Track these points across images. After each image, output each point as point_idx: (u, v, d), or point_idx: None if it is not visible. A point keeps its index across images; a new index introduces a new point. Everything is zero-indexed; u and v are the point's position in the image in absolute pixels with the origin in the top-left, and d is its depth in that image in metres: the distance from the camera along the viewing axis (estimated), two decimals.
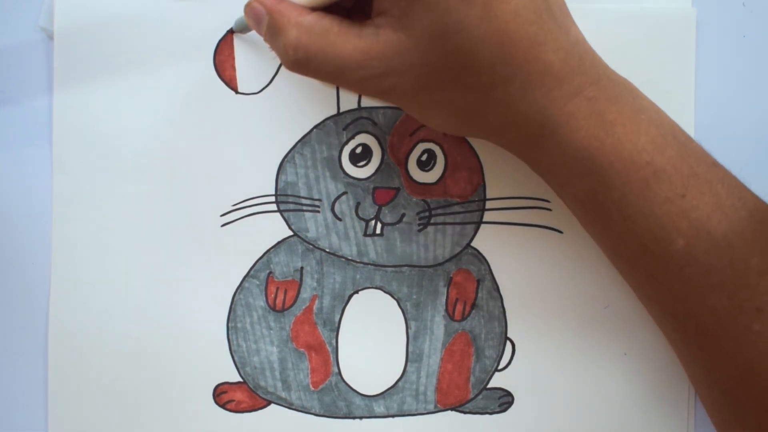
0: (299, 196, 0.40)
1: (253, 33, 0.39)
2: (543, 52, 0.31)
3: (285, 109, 0.40)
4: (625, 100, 0.32)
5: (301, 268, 0.40)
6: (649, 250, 0.32)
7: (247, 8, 0.34)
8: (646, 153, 0.32)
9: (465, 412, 0.40)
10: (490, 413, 0.40)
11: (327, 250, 0.40)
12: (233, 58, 0.40)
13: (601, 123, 0.32)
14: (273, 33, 0.32)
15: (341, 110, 0.40)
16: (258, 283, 0.40)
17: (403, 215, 0.40)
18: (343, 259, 0.40)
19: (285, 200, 0.40)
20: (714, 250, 0.32)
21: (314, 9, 0.32)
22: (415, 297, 0.40)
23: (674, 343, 0.35)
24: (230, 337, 0.40)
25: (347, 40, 0.31)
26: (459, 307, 0.40)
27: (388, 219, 0.40)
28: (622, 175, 0.32)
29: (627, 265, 0.34)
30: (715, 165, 0.33)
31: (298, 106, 0.40)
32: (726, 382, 0.33)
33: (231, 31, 0.40)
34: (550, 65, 0.31)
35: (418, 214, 0.40)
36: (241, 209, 0.40)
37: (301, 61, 0.31)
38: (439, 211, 0.40)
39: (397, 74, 0.31)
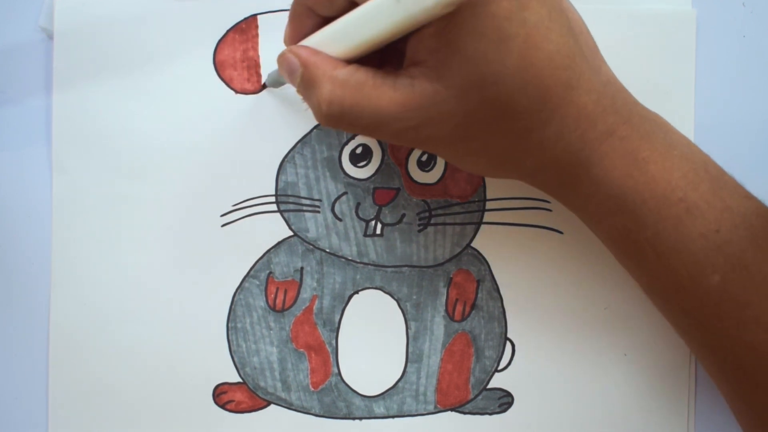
0: (299, 197, 0.40)
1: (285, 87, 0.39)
2: (577, 95, 0.31)
3: (285, 109, 0.40)
4: (657, 137, 0.32)
5: (301, 268, 0.40)
6: (684, 287, 0.32)
7: (281, 59, 0.33)
8: (679, 189, 0.31)
9: (465, 413, 0.40)
10: (490, 414, 0.40)
11: (327, 250, 0.40)
12: (236, 59, 0.40)
13: (634, 161, 0.32)
14: (307, 86, 0.32)
15: None
16: (258, 283, 0.40)
17: (403, 215, 0.40)
18: (343, 260, 0.40)
19: (285, 200, 0.40)
20: (750, 284, 0.31)
21: (349, 61, 0.31)
22: (415, 297, 0.40)
23: (713, 375, 0.35)
24: (230, 337, 0.40)
25: (383, 93, 0.30)
26: (459, 308, 0.40)
27: (388, 219, 0.40)
28: (655, 213, 0.31)
29: (662, 301, 0.34)
30: (748, 197, 0.33)
31: (298, 106, 0.40)
32: (766, 414, 0.33)
33: (228, 30, 0.40)
34: (584, 107, 0.31)
35: (418, 214, 0.40)
36: (241, 209, 0.40)
37: (335, 116, 0.31)
38: (439, 211, 0.40)
39: (433, 125, 0.31)
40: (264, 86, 0.40)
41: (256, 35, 0.40)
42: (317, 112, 0.32)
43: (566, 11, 0.31)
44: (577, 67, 0.31)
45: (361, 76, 0.31)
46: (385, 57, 0.33)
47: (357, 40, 0.31)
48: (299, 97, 0.33)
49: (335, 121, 0.31)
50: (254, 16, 0.40)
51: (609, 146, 0.32)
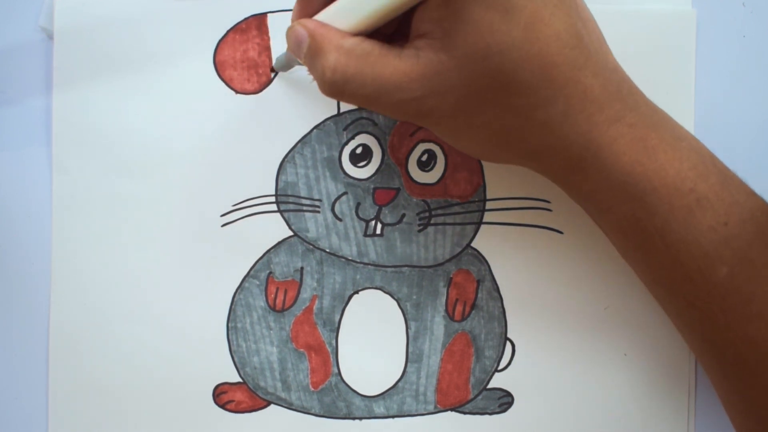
0: (299, 197, 0.40)
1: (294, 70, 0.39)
2: (583, 76, 0.31)
3: (285, 109, 0.40)
4: (665, 128, 0.32)
5: (301, 268, 0.40)
6: (691, 279, 0.32)
7: (290, 31, 0.33)
8: (689, 180, 0.31)
9: (465, 413, 0.40)
10: (490, 413, 0.40)
11: (327, 250, 0.40)
12: (236, 59, 0.40)
13: (644, 148, 0.31)
14: (313, 55, 0.32)
15: (341, 110, 0.40)
16: (258, 283, 0.40)
17: (403, 215, 0.40)
18: (343, 260, 0.40)
19: (285, 200, 0.40)
20: (755, 278, 0.31)
21: (356, 34, 0.32)
22: (415, 297, 0.40)
23: (711, 370, 0.35)
24: (230, 337, 0.40)
25: (387, 62, 0.31)
26: (459, 308, 0.40)
27: (389, 219, 0.40)
28: (665, 202, 0.31)
29: (667, 292, 0.34)
30: (753, 194, 0.33)
31: (298, 106, 0.40)
32: (762, 411, 0.33)
33: (228, 30, 0.40)
34: (590, 89, 0.31)
35: (418, 214, 0.40)
36: (241, 209, 0.40)
37: (338, 84, 0.31)
38: (439, 211, 0.40)
39: (436, 96, 0.31)
40: (273, 73, 0.39)
41: (266, 32, 0.40)
42: (321, 80, 0.32)
43: None
44: (584, 48, 0.31)
45: (367, 46, 0.31)
46: (392, 36, 0.33)
47: (365, 13, 0.31)
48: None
49: (338, 90, 0.31)
50: (264, 15, 0.40)
51: (617, 131, 0.31)
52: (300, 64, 0.34)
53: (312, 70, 0.32)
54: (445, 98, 0.31)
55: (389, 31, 0.33)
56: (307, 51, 0.32)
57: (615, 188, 0.32)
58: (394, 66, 0.31)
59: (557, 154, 0.32)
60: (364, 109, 0.40)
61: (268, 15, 0.40)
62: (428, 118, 0.32)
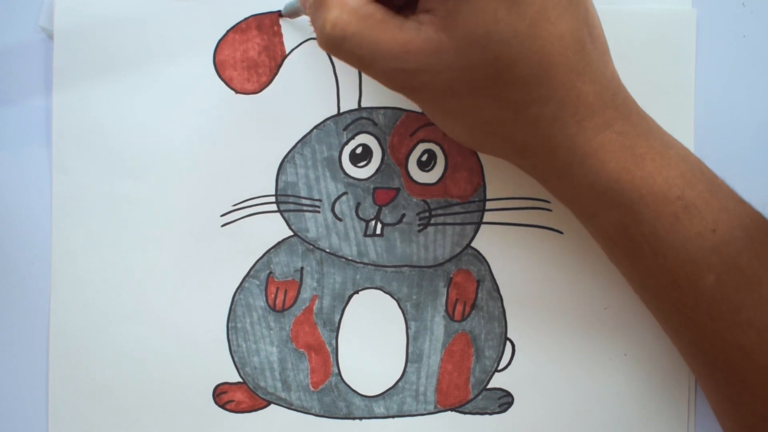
0: (299, 197, 0.40)
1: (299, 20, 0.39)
2: (580, 82, 0.31)
3: (285, 109, 0.40)
4: (655, 136, 0.32)
5: (301, 268, 0.40)
6: (679, 286, 0.32)
7: None
8: (677, 187, 0.32)
9: (465, 413, 0.40)
10: (490, 413, 0.40)
11: (327, 250, 0.40)
12: (236, 59, 0.40)
13: (632, 156, 0.32)
14: (317, 6, 0.32)
15: (341, 110, 0.40)
16: (258, 283, 0.40)
17: (403, 215, 0.40)
18: (343, 260, 0.40)
19: (285, 200, 0.40)
20: (744, 286, 0.31)
21: None
22: (415, 297, 0.40)
23: (700, 376, 0.35)
24: (230, 337, 0.40)
25: (388, 29, 0.31)
26: (459, 308, 0.40)
27: (389, 219, 0.40)
28: (652, 209, 0.31)
29: (655, 299, 0.34)
30: (742, 201, 0.33)
31: (298, 106, 0.40)
32: (752, 417, 0.33)
33: (228, 30, 0.40)
34: (585, 95, 0.31)
35: (418, 214, 0.40)
36: (241, 209, 0.40)
37: (336, 39, 0.31)
38: (439, 211, 0.40)
39: (430, 73, 0.31)
40: (280, 18, 0.39)
41: (265, 32, 0.40)
42: (320, 33, 0.32)
43: (586, 3, 0.32)
44: (586, 54, 0.31)
45: (371, 8, 0.31)
46: (401, 9, 0.33)
47: None
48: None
49: (336, 46, 0.31)
50: (265, 15, 0.40)
51: (606, 138, 0.32)
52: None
53: (313, 21, 0.32)
54: (437, 77, 0.31)
55: (399, 3, 0.33)
56: (312, 1, 0.32)
57: (601, 195, 0.32)
58: (394, 34, 0.30)
59: (544, 155, 0.32)
60: (364, 108, 0.40)
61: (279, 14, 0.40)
62: (417, 93, 0.32)
